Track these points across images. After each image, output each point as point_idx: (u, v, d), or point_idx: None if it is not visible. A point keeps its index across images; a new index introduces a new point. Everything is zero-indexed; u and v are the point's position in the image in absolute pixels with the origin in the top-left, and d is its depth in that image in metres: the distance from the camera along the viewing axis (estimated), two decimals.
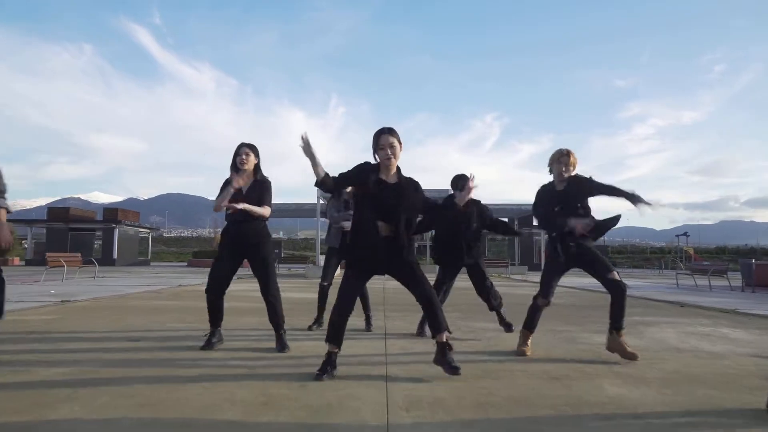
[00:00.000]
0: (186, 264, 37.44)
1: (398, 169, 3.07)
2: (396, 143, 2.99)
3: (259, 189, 3.92)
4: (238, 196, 3.81)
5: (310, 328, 4.87)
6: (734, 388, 2.82)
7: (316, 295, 5.08)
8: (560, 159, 3.70)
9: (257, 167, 3.96)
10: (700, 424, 2.25)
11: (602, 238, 4.51)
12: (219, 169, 3.81)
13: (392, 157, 2.97)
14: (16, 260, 34.61)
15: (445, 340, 2.96)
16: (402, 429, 2.13)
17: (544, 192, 3.82)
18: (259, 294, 3.89)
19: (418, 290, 2.99)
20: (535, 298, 3.82)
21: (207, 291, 3.86)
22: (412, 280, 3.01)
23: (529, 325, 3.82)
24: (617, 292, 3.53)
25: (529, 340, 3.81)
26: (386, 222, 2.98)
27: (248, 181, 3.88)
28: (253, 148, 3.90)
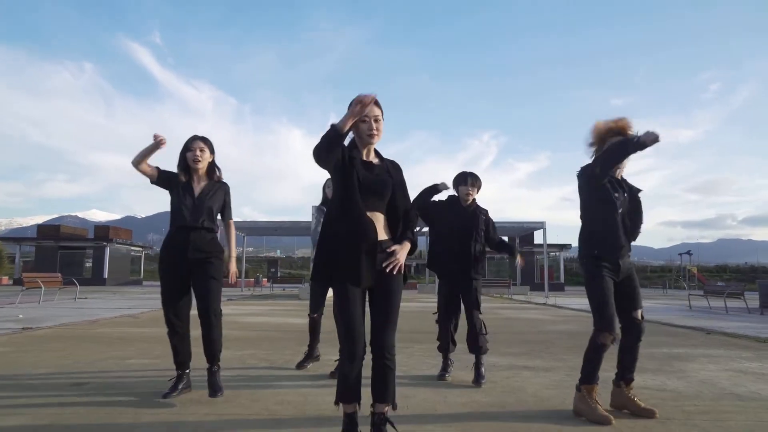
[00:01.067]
0: None
1: (376, 151, 2.33)
2: (381, 118, 2.22)
3: (220, 194, 3.29)
4: (188, 199, 3.15)
5: (300, 366, 4.06)
6: None
7: (307, 320, 4.30)
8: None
9: (213, 166, 3.32)
10: None
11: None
12: None
13: (376, 133, 2.20)
14: (5, 279, 33.71)
15: (385, 412, 2.18)
16: None
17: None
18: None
19: (380, 328, 2.17)
20: (596, 332, 2.75)
21: (170, 328, 3.14)
22: (386, 301, 2.18)
23: (592, 377, 2.77)
24: (634, 336, 2.85)
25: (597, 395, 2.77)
26: (377, 214, 2.21)
27: (203, 183, 3.26)
28: (207, 143, 3.26)
